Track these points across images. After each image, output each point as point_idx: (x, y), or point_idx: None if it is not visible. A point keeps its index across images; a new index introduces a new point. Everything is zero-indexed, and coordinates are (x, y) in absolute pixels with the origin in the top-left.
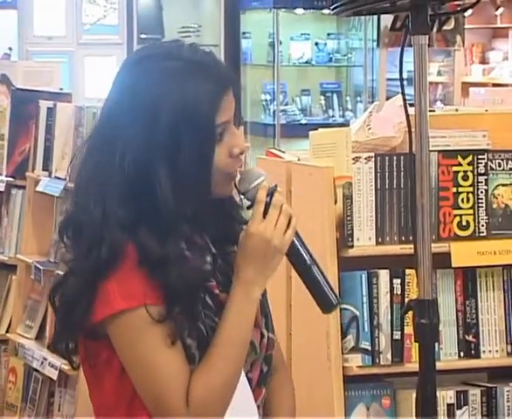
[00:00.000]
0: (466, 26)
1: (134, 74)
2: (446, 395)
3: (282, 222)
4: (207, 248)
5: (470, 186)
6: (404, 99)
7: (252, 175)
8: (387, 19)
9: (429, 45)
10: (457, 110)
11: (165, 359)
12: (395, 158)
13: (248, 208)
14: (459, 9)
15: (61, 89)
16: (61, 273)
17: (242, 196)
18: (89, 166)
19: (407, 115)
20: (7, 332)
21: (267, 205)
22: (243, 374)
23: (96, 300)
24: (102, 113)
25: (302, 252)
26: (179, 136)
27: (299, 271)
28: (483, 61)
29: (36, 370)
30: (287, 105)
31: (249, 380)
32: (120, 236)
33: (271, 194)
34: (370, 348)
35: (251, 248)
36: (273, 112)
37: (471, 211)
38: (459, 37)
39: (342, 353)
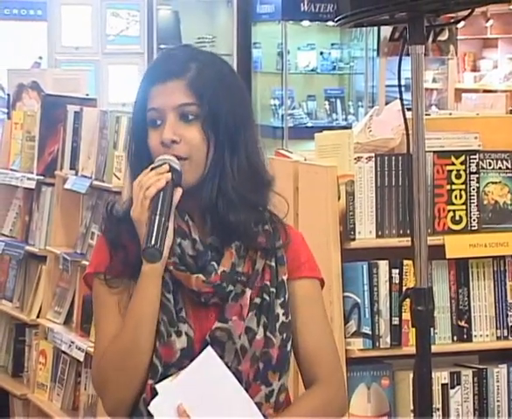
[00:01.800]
0: (458, 37)
1: None
2: (440, 376)
3: (138, 195)
4: (185, 232)
5: (463, 184)
6: (402, 104)
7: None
8: (386, 30)
9: (425, 55)
10: (450, 114)
11: (103, 320)
12: (393, 158)
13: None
14: (452, 21)
15: (87, 95)
16: (87, 263)
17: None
18: None
19: (405, 119)
20: (38, 317)
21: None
22: (216, 357)
23: None
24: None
25: (154, 206)
26: (131, 121)
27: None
28: (475, 69)
29: (64, 352)
30: (294, 109)
31: (240, 372)
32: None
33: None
34: (370, 333)
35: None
36: (282, 115)
37: (463, 207)
38: (452, 47)
39: (345, 338)
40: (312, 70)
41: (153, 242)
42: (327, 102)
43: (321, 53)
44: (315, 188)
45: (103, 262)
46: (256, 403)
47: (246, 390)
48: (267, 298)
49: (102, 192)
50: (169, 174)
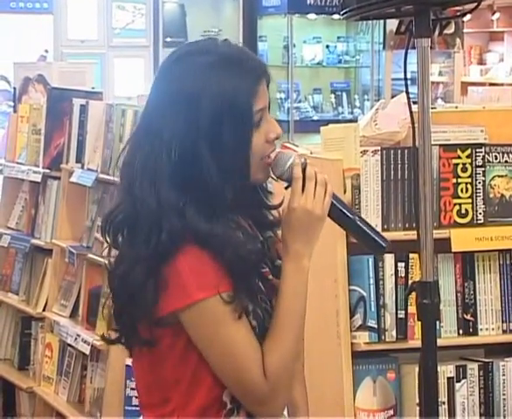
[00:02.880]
0: (465, 30)
1: (176, 70)
2: (446, 370)
3: (319, 191)
4: (257, 235)
5: (469, 177)
6: (408, 97)
7: (285, 158)
8: (392, 24)
9: (431, 48)
10: (457, 107)
11: (242, 338)
12: (399, 151)
13: (286, 188)
14: (458, 14)
15: (93, 88)
16: (93, 256)
17: (279, 179)
18: (139, 158)
19: (411, 112)
20: (43, 310)
21: (303, 180)
22: None
23: (166, 289)
24: (147, 108)
25: (343, 210)
26: (221, 124)
27: (345, 227)
28: (481, 62)
29: (70, 345)
30: (300, 102)
31: None
32: (177, 222)
33: (304, 169)
34: (376, 326)
35: (295, 222)
36: (288, 109)
37: (469, 200)
38: (458, 41)
39: (351, 331)
40: (318, 63)
41: (384, 239)
42: (333, 95)
43: (327, 46)
44: None
45: (224, 280)
46: None
47: None
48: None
49: (108, 185)
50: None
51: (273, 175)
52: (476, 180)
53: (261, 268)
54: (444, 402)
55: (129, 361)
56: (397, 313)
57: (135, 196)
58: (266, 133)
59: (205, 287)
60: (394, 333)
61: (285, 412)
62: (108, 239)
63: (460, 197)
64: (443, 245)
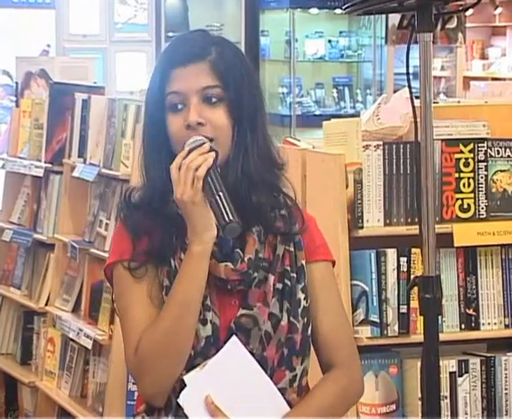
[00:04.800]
0: (467, 25)
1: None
2: (448, 364)
3: (187, 176)
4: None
5: (471, 172)
6: (411, 92)
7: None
8: (394, 18)
9: (433, 42)
10: (459, 102)
11: (132, 305)
12: (402, 146)
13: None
14: (460, 8)
15: (95, 83)
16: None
17: None
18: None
19: (413, 106)
20: (46, 305)
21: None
22: (241, 347)
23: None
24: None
25: (211, 186)
26: (146, 107)
27: (209, 201)
28: (483, 57)
29: (72, 340)
30: (302, 97)
31: (265, 358)
32: (127, 193)
33: (186, 156)
34: (378, 321)
35: (182, 212)
36: (290, 103)
37: (472, 195)
38: (460, 35)
39: (353, 326)
40: (320, 58)
41: (231, 216)
42: (335, 90)
43: (330, 41)
44: (323, 176)
45: (127, 250)
46: (280, 389)
47: (271, 376)
48: (289, 283)
49: (110, 180)
50: (214, 152)
51: None
52: (478, 174)
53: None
54: (446, 397)
55: None
56: (399, 308)
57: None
58: (184, 119)
59: (113, 253)
60: (396, 327)
61: None
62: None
63: (462, 192)
64: (445, 240)
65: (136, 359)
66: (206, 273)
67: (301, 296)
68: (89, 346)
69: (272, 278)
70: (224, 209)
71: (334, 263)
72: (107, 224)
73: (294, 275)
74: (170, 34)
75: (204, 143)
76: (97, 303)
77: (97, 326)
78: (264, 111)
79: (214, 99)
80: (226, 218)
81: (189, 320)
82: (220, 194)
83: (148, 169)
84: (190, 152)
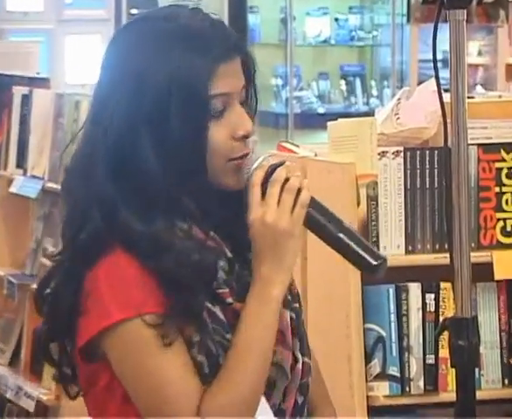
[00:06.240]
0: None
1: (125, 39)
2: None
3: (286, 199)
4: (221, 251)
5: None
6: (439, 84)
7: (252, 161)
8: None
9: (467, 21)
10: (500, 96)
11: (171, 371)
12: (427, 153)
13: None
14: None
15: (38, 73)
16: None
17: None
18: (78, 148)
19: (442, 103)
20: None
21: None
22: (264, 401)
23: (84, 312)
24: (95, 89)
25: (324, 223)
26: (167, 108)
27: (327, 242)
28: None
29: (10, 401)
30: (301, 91)
31: (282, 411)
32: (104, 218)
33: (271, 172)
34: (398, 375)
35: (258, 239)
36: (286, 99)
37: None
38: (502, 12)
39: (367, 381)
40: (324, 41)
41: (379, 253)
42: (343, 82)
43: (336, 19)
44: (328, 191)
45: (151, 301)
46: None
47: None
48: (294, 315)
49: (58, 197)
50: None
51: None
52: None
53: (215, 288)
54: None
55: None
56: (424, 358)
57: (66, 190)
58: (231, 127)
59: (126, 306)
60: (421, 383)
61: None
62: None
63: (504, 211)
64: (483, 272)
65: None
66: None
67: (305, 331)
68: (31, 409)
69: (286, 313)
70: (366, 245)
71: None
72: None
73: (297, 305)
74: (134, 11)
75: (284, 162)
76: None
77: (41, 384)
78: None
79: (244, 103)
80: (372, 264)
81: (263, 383)
82: (347, 226)
83: (167, 192)
84: (273, 169)
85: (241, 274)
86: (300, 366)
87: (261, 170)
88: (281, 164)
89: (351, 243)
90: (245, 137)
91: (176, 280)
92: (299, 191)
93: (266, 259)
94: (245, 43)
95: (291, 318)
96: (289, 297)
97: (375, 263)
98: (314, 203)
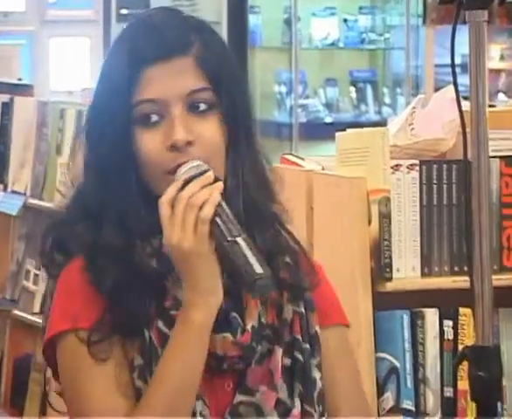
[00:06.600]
0: None
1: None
2: None
3: (188, 217)
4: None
5: None
6: (457, 91)
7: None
8: None
9: (489, 22)
10: None
11: (90, 402)
12: (445, 166)
13: None
14: None
15: (20, 79)
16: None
17: None
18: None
19: (460, 111)
20: None
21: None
22: None
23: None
24: None
25: (224, 231)
26: (96, 114)
27: (220, 252)
28: None
29: None
30: (307, 98)
31: None
32: (70, 227)
33: (182, 187)
34: (413, 409)
35: (173, 261)
36: (290, 107)
37: None
38: None
39: (379, 415)
40: (332, 44)
41: (260, 269)
42: (353, 89)
43: (345, 20)
44: (337, 207)
45: (84, 313)
46: None
47: None
48: (301, 357)
49: (40, 214)
50: (220, 183)
51: None
52: None
53: (169, 309)
54: None
55: None
56: (442, 391)
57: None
58: (164, 136)
59: (65, 317)
60: (438, 417)
61: None
62: None
63: None
64: (506, 296)
65: None
66: (207, 349)
67: (317, 375)
68: None
69: (279, 351)
70: (247, 258)
71: (348, 326)
72: (36, 276)
73: (307, 346)
74: (124, 12)
75: (206, 171)
76: (22, 386)
77: None
78: (254, 119)
79: (203, 107)
80: (255, 272)
81: (184, 412)
82: (239, 239)
83: (104, 203)
84: (186, 183)
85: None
86: (297, 412)
87: (174, 185)
88: (201, 174)
89: (243, 250)
90: (174, 147)
91: (113, 291)
92: (202, 204)
93: (184, 282)
94: (197, 40)
95: (287, 357)
96: (298, 336)
97: (258, 272)
98: (222, 215)
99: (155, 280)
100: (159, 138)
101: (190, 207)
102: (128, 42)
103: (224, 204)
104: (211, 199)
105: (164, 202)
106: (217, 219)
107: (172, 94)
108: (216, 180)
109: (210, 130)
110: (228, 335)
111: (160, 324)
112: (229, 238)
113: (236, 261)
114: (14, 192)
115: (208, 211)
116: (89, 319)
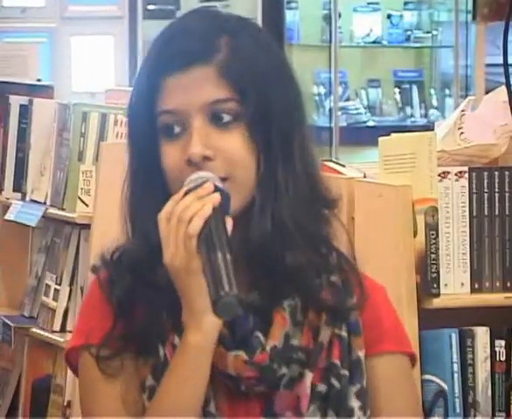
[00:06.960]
0: None
1: None
2: None
3: (179, 233)
4: None
5: None
6: (510, 93)
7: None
8: None
9: None
10: None
11: (101, 408)
12: (497, 173)
13: None
14: None
15: (39, 80)
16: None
17: None
18: None
19: None
20: None
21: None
22: None
23: None
24: None
25: (208, 246)
26: (128, 123)
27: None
28: None
29: None
30: (348, 100)
31: None
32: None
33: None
34: None
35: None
36: (330, 110)
37: None
38: None
39: None
40: (375, 41)
41: (226, 287)
42: (397, 90)
43: (389, 17)
44: (380, 218)
45: (96, 330)
46: None
47: None
48: (337, 384)
49: (62, 225)
50: (217, 195)
51: None
52: None
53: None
54: None
55: None
56: (493, 416)
57: None
58: (184, 150)
59: (80, 333)
60: None
61: None
62: None
63: None
64: None
65: None
66: (208, 372)
67: (355, 404)
68: None
69: (310, 375)
70: (219, 275)
71: (413, 356)
72: (56, 291)
73: (346, 372)
74: (151, 7)
75: (205, 181)
76: (42, 408)
77: None
78: (305, 130)
79: (227, 118)
80: (221, 289)
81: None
82: (218, 253)
83: (133, 218)
84: (186, 195)
85: (241, 317)
86: None
87: (172, 200)
88: (200, 185)
89: (214, 265)
90: (190, 162)
91: (124, 303)
92: (190, 218)
93: (184, 304)
94: (224, 45)
95: (321, 382)
96: (336, 361)
97: (227, 290)
98: (212, 229)
99: (170, 294)
100: (179, 151)
101: (181, 222)
102: (155, 50)
103: (217, 220)
104: (200, 212)
105: (162, 217)
106: (205, 234)
107: (192, 105)
108: (217, 190)
109: (232, 144)
110: (241, 354)
111: (176, 340)
112: (209, 254)
113: (206, 276)
114: (33, 201)
115: (195, 225)
116: (99, 335)
